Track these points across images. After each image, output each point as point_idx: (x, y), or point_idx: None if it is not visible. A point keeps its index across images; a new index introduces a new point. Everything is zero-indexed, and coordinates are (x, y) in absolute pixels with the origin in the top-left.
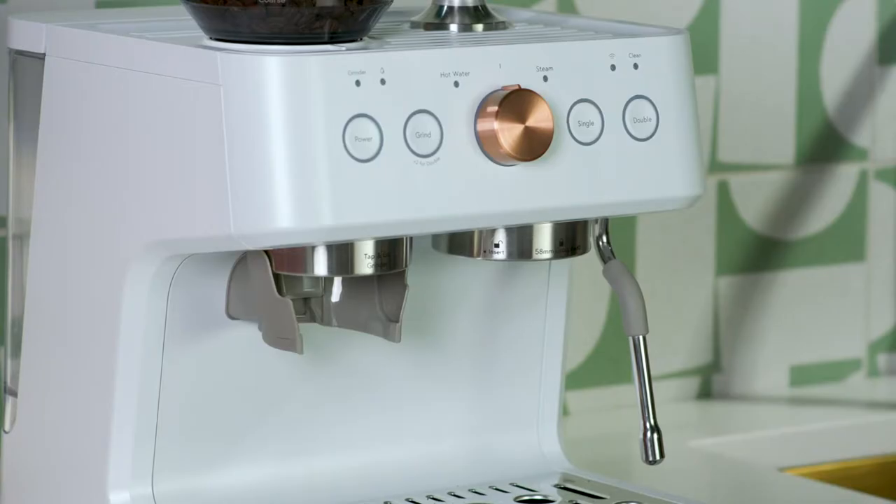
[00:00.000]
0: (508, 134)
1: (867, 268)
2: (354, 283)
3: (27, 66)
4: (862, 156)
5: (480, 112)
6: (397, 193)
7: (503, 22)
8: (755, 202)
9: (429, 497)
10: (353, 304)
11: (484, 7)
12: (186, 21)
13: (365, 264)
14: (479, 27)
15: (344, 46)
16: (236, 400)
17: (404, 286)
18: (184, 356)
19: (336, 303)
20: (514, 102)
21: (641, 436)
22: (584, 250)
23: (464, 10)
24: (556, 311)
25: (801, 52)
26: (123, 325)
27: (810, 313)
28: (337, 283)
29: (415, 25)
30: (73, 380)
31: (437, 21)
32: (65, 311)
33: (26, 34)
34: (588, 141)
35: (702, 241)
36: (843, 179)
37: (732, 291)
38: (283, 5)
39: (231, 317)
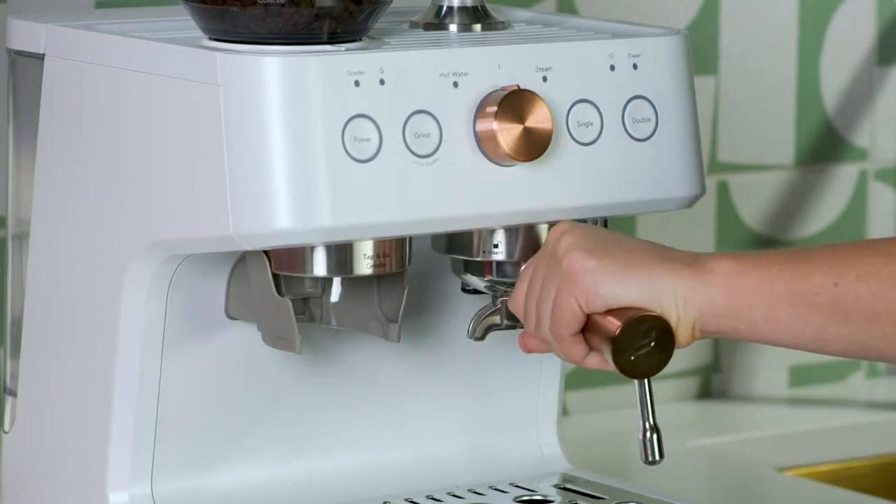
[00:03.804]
0: (507, 134)
1: None
2: (354, 284)
3: (26, 66)
4: (861, 156)
5: (480, 112)
6: (396, 194)
7: (502, 22)
8: (755, 202)
9: (428, 497)
10: (352, 305)
11: (483, 7)
12: (185, 21)
13: (364, 265)
14: (479, 27)
15: (343, 47)
16: (236, 400)
17: (403, 287)
18: (183, 356)
19: (335, 303)
20: (514, 103)
21: (641, 436)
22: None
23: (463, 10)
24: None
25: (801, 53)
26: (123, 325)
27: None
28: (336, 283)
29: (414, 25)
30: (72, 380)
31: (437, 21)
32: (64, 312)
33: (25, 34)
34: (587, 141)
35: (702, 241)
36: (842, 180)
37: None
38: (282, 5)
39: (230, 317)
